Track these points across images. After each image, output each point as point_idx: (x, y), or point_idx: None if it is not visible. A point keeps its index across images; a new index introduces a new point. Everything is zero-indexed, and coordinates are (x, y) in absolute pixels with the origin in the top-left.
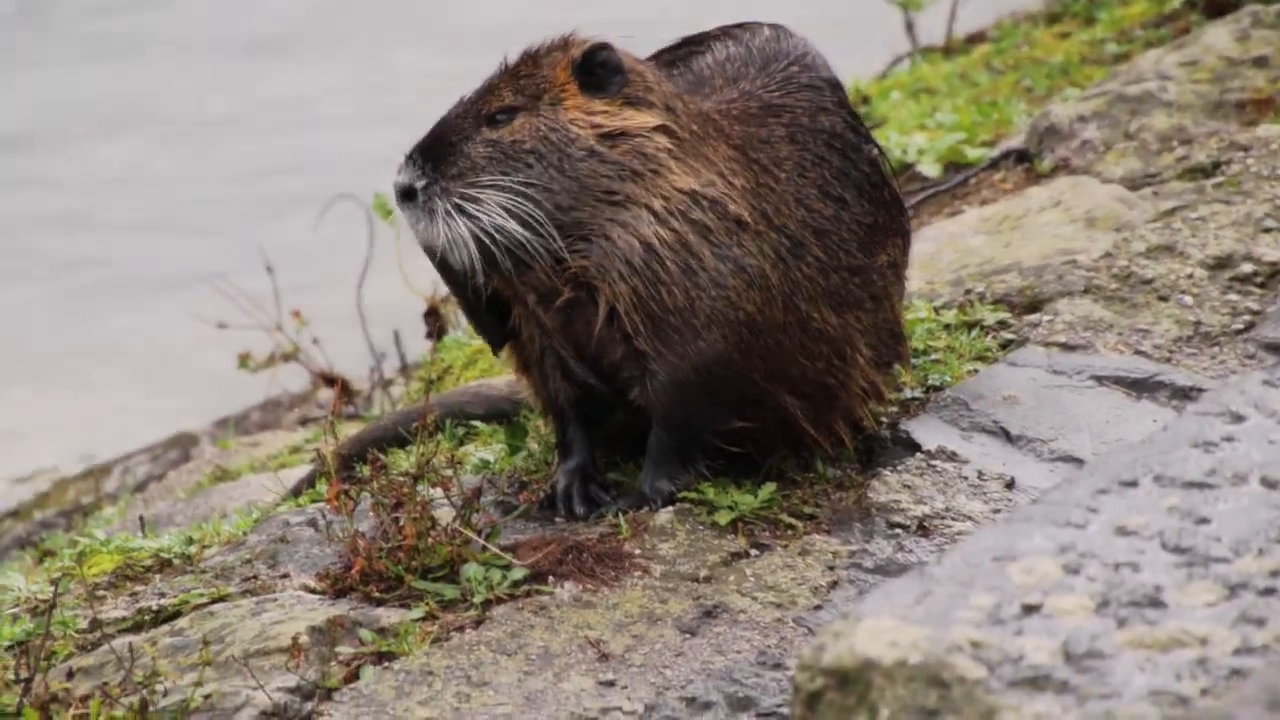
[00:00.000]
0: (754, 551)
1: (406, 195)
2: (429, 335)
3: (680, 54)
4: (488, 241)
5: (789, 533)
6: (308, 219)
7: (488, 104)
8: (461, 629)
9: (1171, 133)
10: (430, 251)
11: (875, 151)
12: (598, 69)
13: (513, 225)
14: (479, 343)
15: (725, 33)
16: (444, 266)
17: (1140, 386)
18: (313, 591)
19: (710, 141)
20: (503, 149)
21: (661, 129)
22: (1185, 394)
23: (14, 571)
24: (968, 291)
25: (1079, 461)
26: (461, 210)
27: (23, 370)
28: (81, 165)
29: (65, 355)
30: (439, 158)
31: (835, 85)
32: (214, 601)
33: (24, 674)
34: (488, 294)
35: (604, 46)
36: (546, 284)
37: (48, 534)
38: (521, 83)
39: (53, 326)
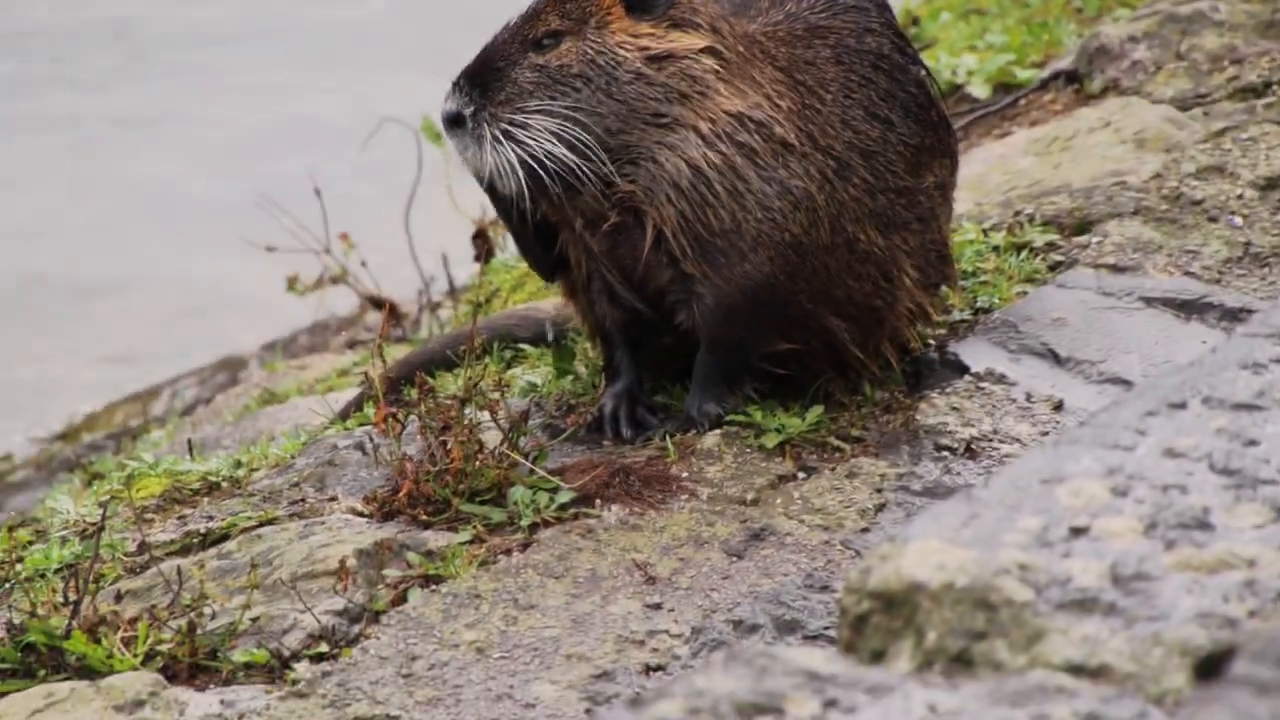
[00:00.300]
0: (801, 474)
1: (454, 122)
2: (477, 258)
3: None
4: (536, 167)
5: (836, 455)
6: (356, 143)
7: (534, 29)
8: (508, 552)
9: (1222, 53)
10: (479, 178)
11: (922, 72)
12: None
13: (560, 150)
14: (526, 266)
15: None
16: (493, 193)
17: (1189, 308)
18: (360, 514)
19: (756, 63)
20: (549, 74)
21: (708, 50)
22: (1234, 315)
23: (62, 494)
24: (1016, 213)
25: (1127, 383)
26: (509, 136)
27: (71, 295)
28: (128, 89)
29: (113, 280)
30: (485, 84)
31: (882, 6)
32: (262, 525)
33: (72, 597)
34: (536, 220)
35: None
36: (594, 208)
37: (96, 457)
38: (567, 6)
39: (100, 249)
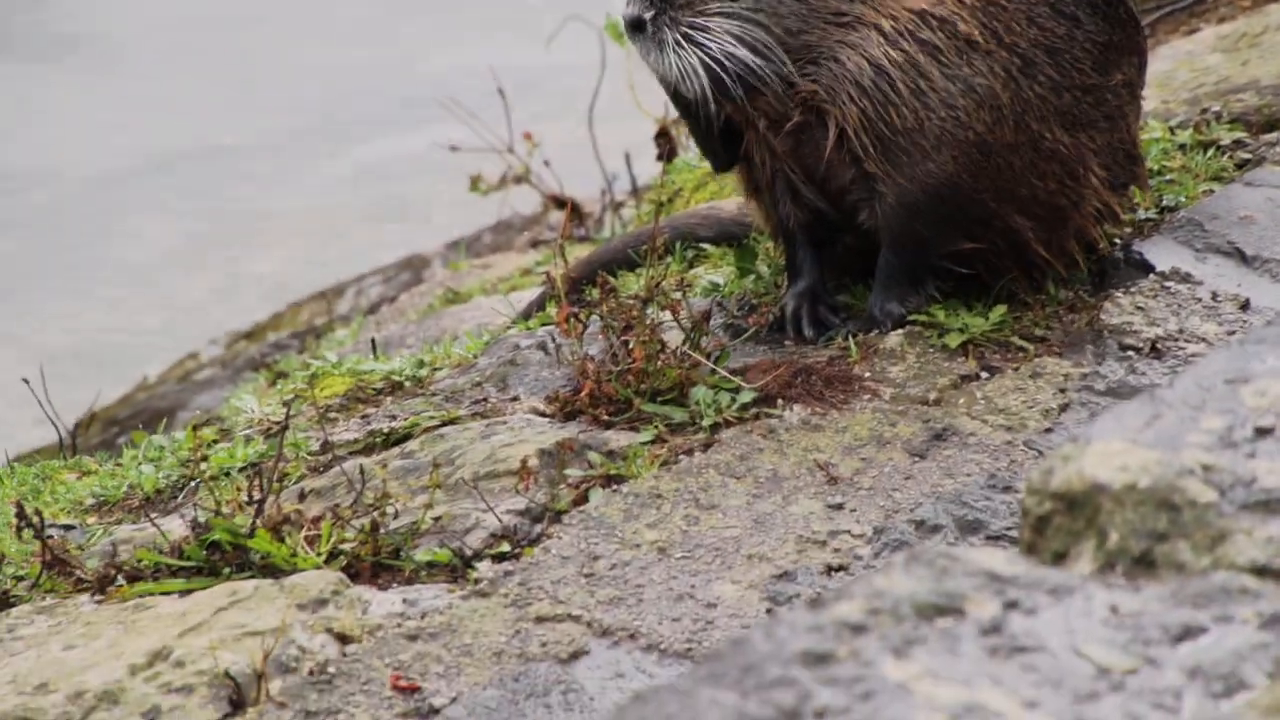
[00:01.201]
0: (984, 374)
1: (636, 26)
2: (660, 157)
3: None
4: (718, 69)
5: (1019, 355)
6: (540, 41)
7: None
8: (690, 452)
9: None
10: (663, 81)
11: None
12: None
13: (742, 51)
14: (709, 165)
15: None
16: (676, 95)
17: None
18: (542, 414)
19: None
20: None
21: None
22: None
23: (247, 394)
24: (1204, 111)
25: None
26: (690, 39)
27: (256, 201)
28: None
29: (299, 181)
30: None
31: None
32: (444, 424)
33: (257, 495)
34: (720, 122)
35: None
36: (776, 108)
37: (280, 356)
38: None
39: (284, 153)
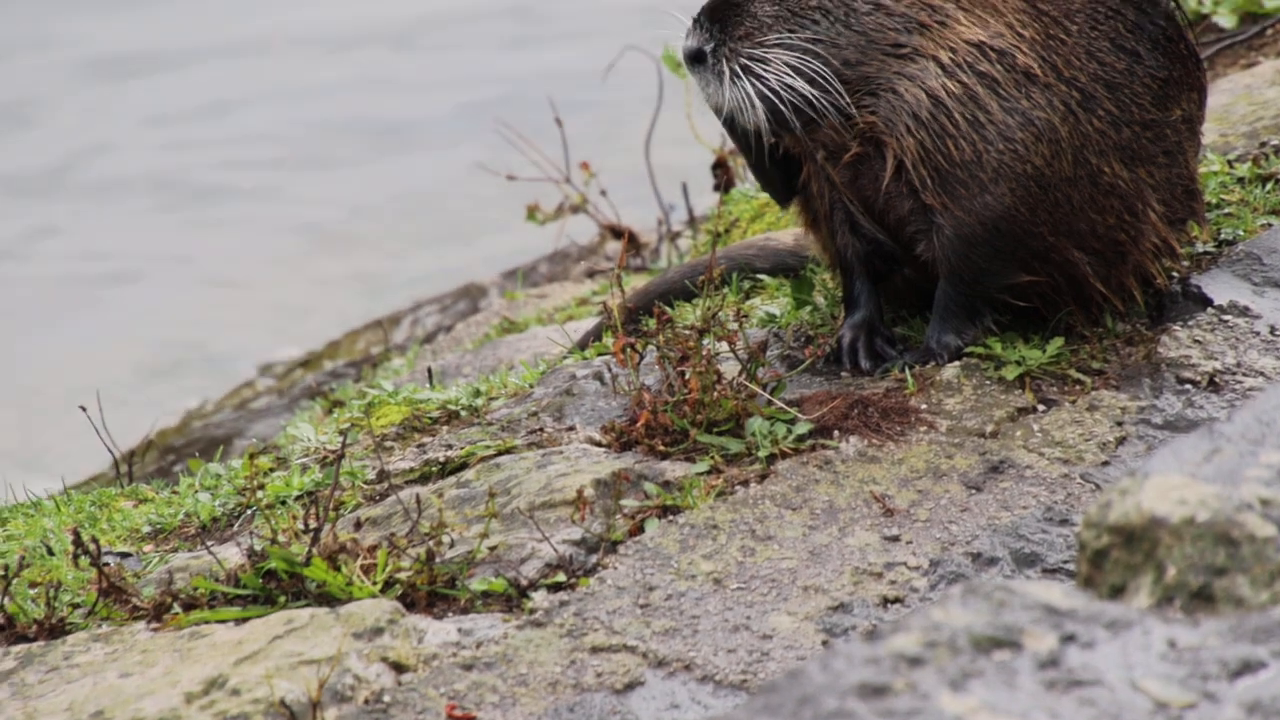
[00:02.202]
0: (1041, 407)
1: (695, 59)
2: (716, 188)
3: None
4: (776, 101)
5: (1077, 388)
6: (598, 71)
7: None
8: (746, 483)
9: None
10: (720, 113)
11: (1171, 4)
12: None
13: (800, 83)
14: (765, 196)
15: None
16: (731, 126)
17: None
18: (598, 444)
19: None
20: (789, 6)
21: None
22: None
23: (304, 422)
24: (1262, 144)
25: None
26: (749, 71)
27: (315, 230)
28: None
29: (360, 207)
30: (725, 19)
31: None
32: (500, 454)
33: (313, 524)
34: (779, 154)
35: None
36: (835, 140)
37: (337, 384)
38: None
39: (341, 183)
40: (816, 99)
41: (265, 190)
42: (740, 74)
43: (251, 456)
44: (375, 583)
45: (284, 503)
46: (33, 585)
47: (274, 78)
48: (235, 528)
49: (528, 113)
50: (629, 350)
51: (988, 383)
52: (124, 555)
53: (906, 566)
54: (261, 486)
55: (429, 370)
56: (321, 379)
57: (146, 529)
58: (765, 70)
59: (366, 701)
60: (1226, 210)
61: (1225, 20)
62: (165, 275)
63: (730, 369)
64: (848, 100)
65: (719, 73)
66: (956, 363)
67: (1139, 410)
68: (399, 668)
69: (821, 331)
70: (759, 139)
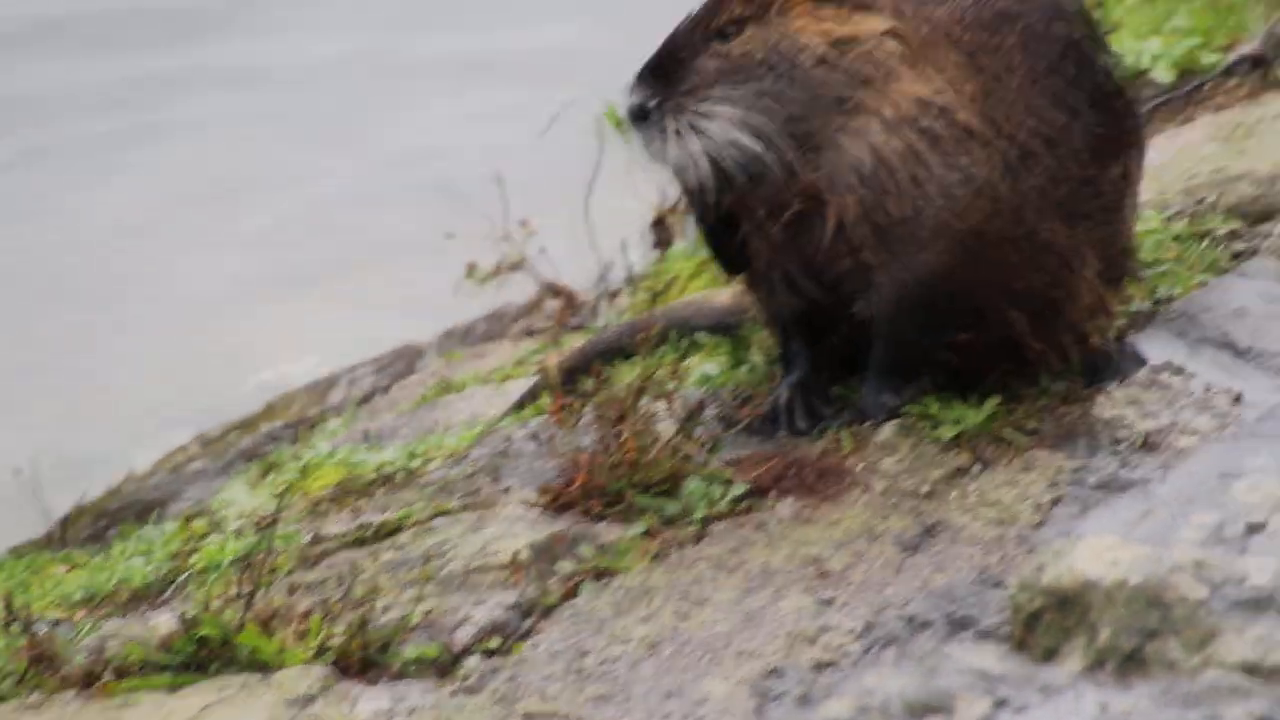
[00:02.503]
0: (976, 467)
1: (639, 115)
2: (655, 246)
3: None
4: (720, 157)
5: (1012, 448)
6: (536, 128)
7: (716, 17)
8: (681, 545)
9: None
10: (666, 169)
11: (1110, 61)
12: None
13: (744, 139)
14: (705, 254)
15: None
16: (678, 181)
17: None
18: (534, 506)
19: (939, 47)
20: (733, 62)
21: (891, 33)
22: None
23: (238, 485)
24: (1199, 201)
25: None
26: (694, 127)
27: (253, 285)
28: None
29: (295, 269)
30: (669, 75)
31: None
32: (436, 516)
33: (246, 589)
34: (722, 211)
35: None
36: (776, 197)
37: (273, 447)
38: None
39: (284, 240)
40: (762, 155)
41: (196, 240)
42: (684, 131)
43: (185, 521)
44: (309, 649)
45: (218, 568)
46: None
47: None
48: (169, 593)
49: (465, 170)
50: (566, 411)
51: (924, 442)
52: (56, 622)
53: (840, 630)
54: (195, 551)
55: (365, 432)
56: (257, 442)
57: (79, 595)
58: (710, 126)
59: None
60: (1163, 268)
61: (1163, 76)
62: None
63: (667, 429)
64: (791, 156)
65: (663, 129)
66: (893, 422)
67: (1074, 470)
68: None
69: (758, 391)
70: (703, 196)
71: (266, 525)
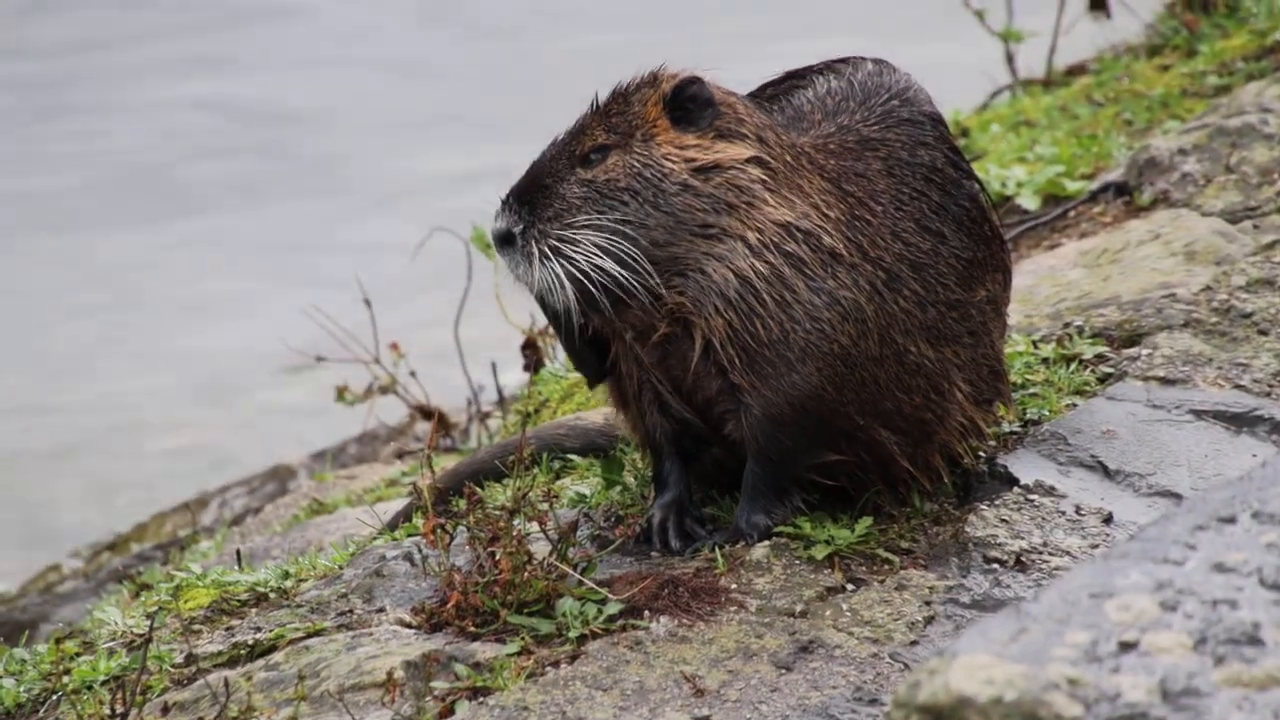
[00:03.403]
0: (850, 586)
1: (505, 240)
2: (526, 368)
3: (783, 88)
4: (585, 282)
5: (885, 567)
6: (406, 250)
7: (580, 144)
8: (557, 664)
9: (1272, 165)
10: (532, 293)
11: (975, 187)
12: (688, 103)
13: (609, 264)
14: (575, 376)
15: (828, 67)
16: (543, 304)
17: (1240, 421)
18: (408, 626)
19: (804, 173)
20: (597, 188)
21: (754, 160)
22: None
23: (111, 605)
24: (1066, 325)
25: (1177, 497)
26: (558, 252)
27: (127, 404)
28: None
29: (163, 391)
30: (534, 201)
31: (936, 120)
32: (309, 636)
33: (119, 709)
34: (589, 333)
35: (694, 80)
36: (644, 320)
37: (144, 567)
38: (613, 120)
39: (157, 361)
40: (625, 279)
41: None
42: (549, 255)
43: (57, 641)
44: None
45: (90, 688)
46: None
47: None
48: (41, 714)
49: (336, 293)
50: (439, 531)
51: (797, 562)
52: None
53: None
54: (67, 672)
55: (237, 552)
56: (129, 562)
57: None
58: (574, 251)
59: None
60: (1032, 390)
61: (1028, 202)
62: None
63: (541, 549)
64: (657, 281)
65: (528, 254)
66: (766, 542)
67: (947, 589)
68: None
69: (632, 511)
70: (569, 318)
71: (139, 645)
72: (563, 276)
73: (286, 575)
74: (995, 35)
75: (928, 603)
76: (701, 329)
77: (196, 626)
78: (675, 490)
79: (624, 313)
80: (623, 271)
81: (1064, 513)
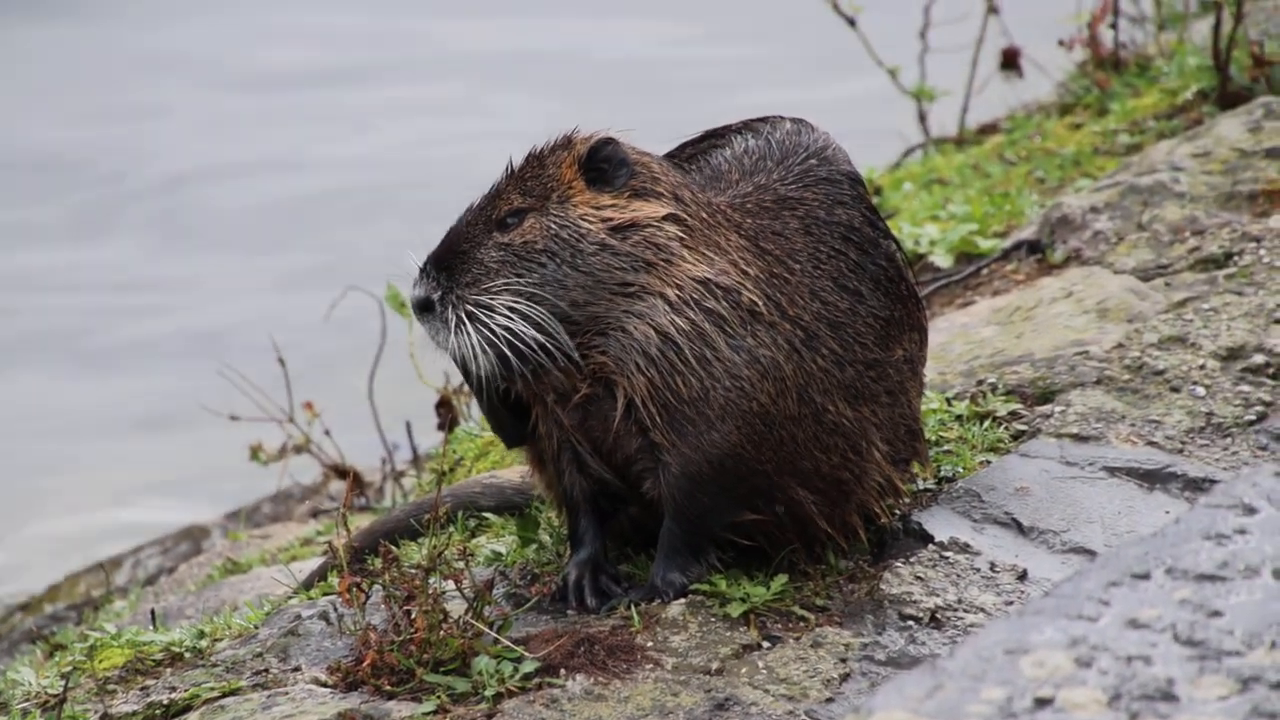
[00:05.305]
0: (766, 643)
1: (423, 307)
2: (441, 426)
3: (701, 147)
4: (504, 347)
5: (801, 624)
6: (319, 307)
7: (496, 208)
8: None
9: (1183, 223)
10: (452, 358)
11: (892, 246)
12: (603, 163)
13: (526, 329)
14: (491, 434)
15: (746, 126)
16: (466, 373)
17: (1152, 478)
18: (324, 685)
19: (721, 230)
20: (515, 251)
21: (671, 218)
22: (1197, 485)
23: (24, 666)
24: (979, 382)
25: (1091, 553)
26: (475, 318)
27: (28, 469)
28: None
29: (72, 450)
30: (452, 267)
31: (854, 179)
32: (225, 695)
33: None
34: (510, 397)
35: (608, 141)
36: (564, 382)
37: (58, 628)
38: (528, 184)
39: (62, 421)
40: (544, 343)
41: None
42: (466, 321)
43: None
44: None
45: None
46: None
47: None
48: None
49: (249, 353)
50: (355, 589)
51: (713, 620)
52: None
53: None
54: None
55: (152, 612)
56: (42, 622)
57: None
58: (491, 317)
59: None
60: (946, 447)
61: (942, 260)
62: None
63: (457, 608)
64: (574, 343)
65: (446, 320)
66: (682, 600)
67: (862, 647)
68: None
69: (548, 569)
70: (490, 384)
71: (54, 705)
72: (481, 343)
73: (201, 635)
74: (908, 94)
75: (843, 660)
76: (624, 388)
77: (111, 686)
78: (591, 548)
79: (544, 377)
80: (540, 336)
81: (979, 570)
